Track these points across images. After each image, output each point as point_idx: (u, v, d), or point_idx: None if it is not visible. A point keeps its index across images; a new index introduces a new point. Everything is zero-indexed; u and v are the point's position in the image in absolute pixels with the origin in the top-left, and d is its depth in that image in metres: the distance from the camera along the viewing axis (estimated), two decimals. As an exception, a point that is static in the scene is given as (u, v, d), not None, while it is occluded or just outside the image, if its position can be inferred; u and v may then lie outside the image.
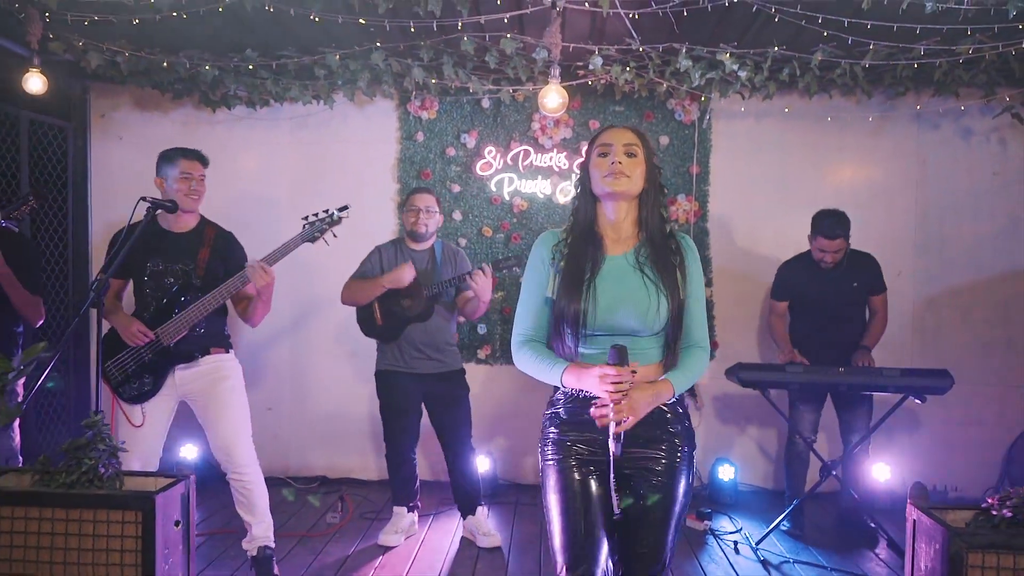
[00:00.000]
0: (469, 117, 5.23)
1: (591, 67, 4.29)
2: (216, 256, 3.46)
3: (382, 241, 5.23)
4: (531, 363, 2.15)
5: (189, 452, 4.99)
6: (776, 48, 4.28)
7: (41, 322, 3.65)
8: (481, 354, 5.24)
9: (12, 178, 4.80)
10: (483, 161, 5.19)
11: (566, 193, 5.18)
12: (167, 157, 3.42)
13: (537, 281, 2.24)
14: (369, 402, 5.23)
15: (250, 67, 4.41)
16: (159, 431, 3.41)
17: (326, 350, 5.33)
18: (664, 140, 5.15)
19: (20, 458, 3.60)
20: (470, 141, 5.21)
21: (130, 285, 3.51)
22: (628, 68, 4.37)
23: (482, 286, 3.82)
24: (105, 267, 2.92)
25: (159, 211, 3.29)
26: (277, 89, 4.62)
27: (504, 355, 5.27)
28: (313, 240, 3.34)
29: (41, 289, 3.60)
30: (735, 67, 4.27)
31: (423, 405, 4.15)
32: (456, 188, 5.23)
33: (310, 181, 5.32)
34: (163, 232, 3.44)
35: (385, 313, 4.02)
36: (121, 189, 5.28)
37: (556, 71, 4.01)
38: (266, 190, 5.30)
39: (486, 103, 5.15)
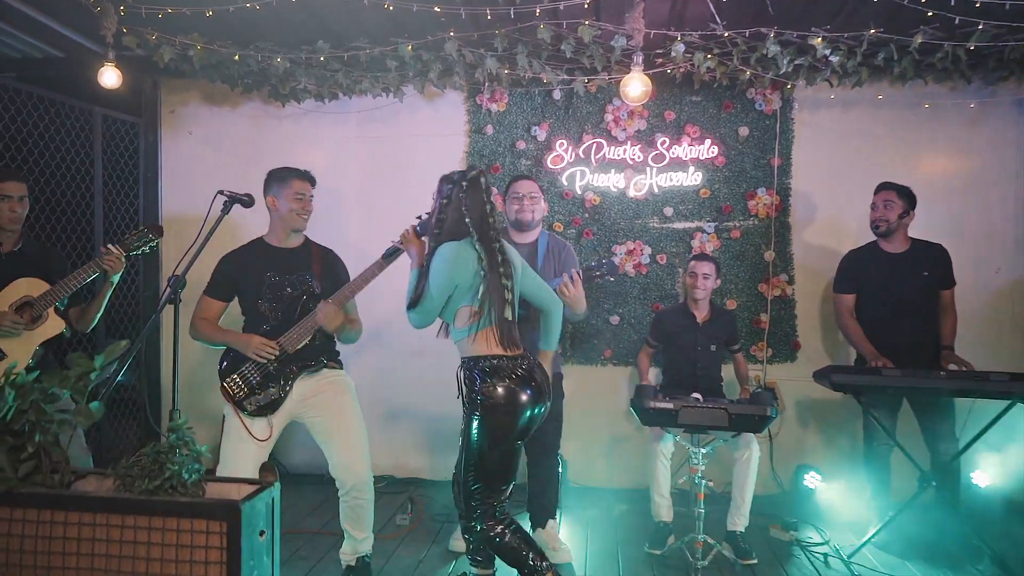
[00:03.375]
0: (540, 109, 5.08)
1: (672, 54, 4.10)
2: (325, 268, 3.48)
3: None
4: None
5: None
6: (872, 31, 4.01)
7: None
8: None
9: (86, 174, 4.82)
10: (554, 154, 5.04)
11: (640, 187, 5.00)
12: (279, 177, 3.41)
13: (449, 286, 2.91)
14: (437, 401, 5.12)
15: (321, 59, 4.33)
16: (269, 449, 3.36)
17: (391, 347, 5.24)
18: (743, 131, 4.93)
19: (90, 456, 3.58)
20: (541, 134, 5.06)
21: (229, 307, 3.50)
22: (711, 55, 4.15)
23: (571, 297, 3.53)
24: (186, 269, 2.85)
25: (262, 236, 3.34)
26: (348, 81, 4.54)
27: (574, 355, 5.11)
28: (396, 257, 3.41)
29: None
30: (826, 52, 4.02)
31: None
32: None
33: (377, 176, 5.24)
34: (273, 249, 3.44)
35: None
36: (191, 185, 5.29)
37: (639, 58, 3.83)
38: (333, 185, 5.22)
39: (557, 95, 4.99)
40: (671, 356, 4.51)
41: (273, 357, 3.28)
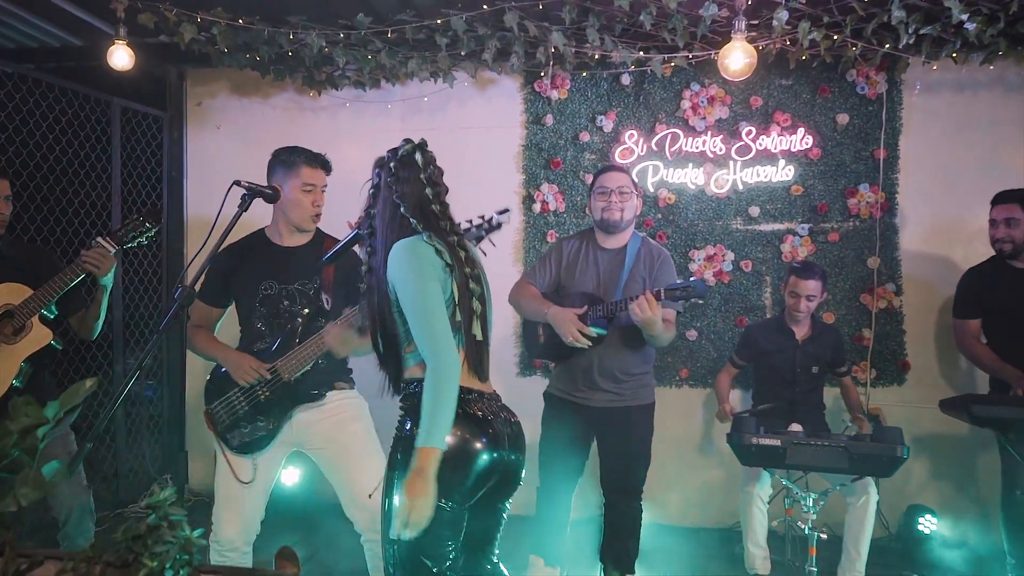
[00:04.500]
0: (606, 96, 4.48)
1: (773, 23, 3.47)
2: (341, 273, 2.83)
3: (502, 241, 4.59)
4: None
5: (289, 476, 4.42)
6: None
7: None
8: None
9: (103, 171, 4.36)
10: (623, 147, 4.43)
11: (722, 184, 4.37)
12: (283, 160, 2.79)
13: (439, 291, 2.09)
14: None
15: (361, 35, 3.78)
16: (266, 488, 2.81)
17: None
18: (842, 119, 4.27)
19: (90, 495, 3.07)
20: (607, 124, 4.46)
21: (226, 313, 2.95)
22: (819, 25, 3.51)
23: (642, 321, 2.89)
24: (195, 280, 2.30)
25: (264, 228, 2.81)
26: (392, 63, 3.99)
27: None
28: None
29: None
30: (963, 17, 3.35)
31: (594, 441, 3.33)
32: (590, 179, 4.47)
33: (423, 173, 4.68)
34: (273, 247, 2.85)
35: (550, 330, 3.17)
36: (218, 183, 4.73)
37: (742, 23, 3.20)
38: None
39: (626, 79, 4.40)
40: (763, 379, 3.88)
41: (263, 382, 2.70)
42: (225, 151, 4.82)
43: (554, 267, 3.29)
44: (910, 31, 3.50)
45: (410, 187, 2.11)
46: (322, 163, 2.83)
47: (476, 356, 2.12)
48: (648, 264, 3.20)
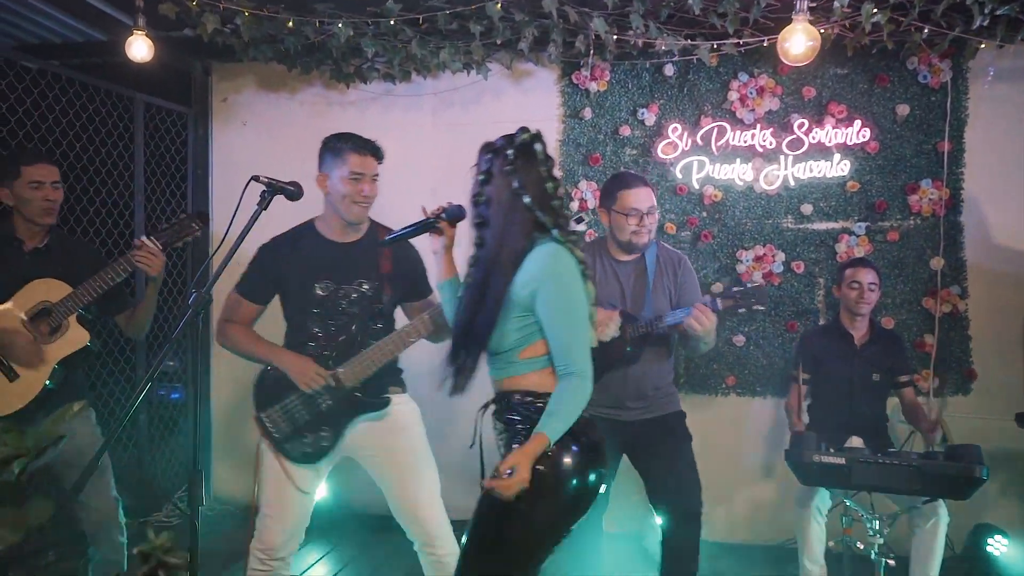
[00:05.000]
0: (648, 88, 4.24)
1: (835, 4, 3.21)
2: (400, 270, 2.69)
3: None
4: None
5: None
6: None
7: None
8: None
9: (125, 168, 4.22)
10: (666, 142, 4.19)
11: (772, 180, 4.11)
12: (331, 148, 2.64)
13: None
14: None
15: (391, 23, 3.59)
16: (313, 496, 2.70)
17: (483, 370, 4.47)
18: (903, 109, 3.99)
19: (119, 506, 2.92)
20: (649, 117, 4.22)
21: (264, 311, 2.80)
22: (884, 7, 3.24)
23: (706, 330, 2.73)
24: (210, 285, 2.12)
25: (315, 220, 2.68)
26: (423, 53, 3.79)
27: (689, 383, 4.24)
28: None
29: None
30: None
31: (623, 457, 3.10)
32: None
33: (455, 171, 4.40)
34: (325, 243, 2.68)
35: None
36: (244, 181, 4.60)
37: (803, 3, 2.94)
38: (405, 182, 4.43)
39: (670, 70, 4.15)
40: (820, 389, 3.62)
41: (327, 390, 2.56)
42: (251, 148, 4.67)
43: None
44: (985, 12, 3.21)
45: (530, 177, 2.01)
46: (372, 149, 2.65)
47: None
48: (671, 272, 3.01)
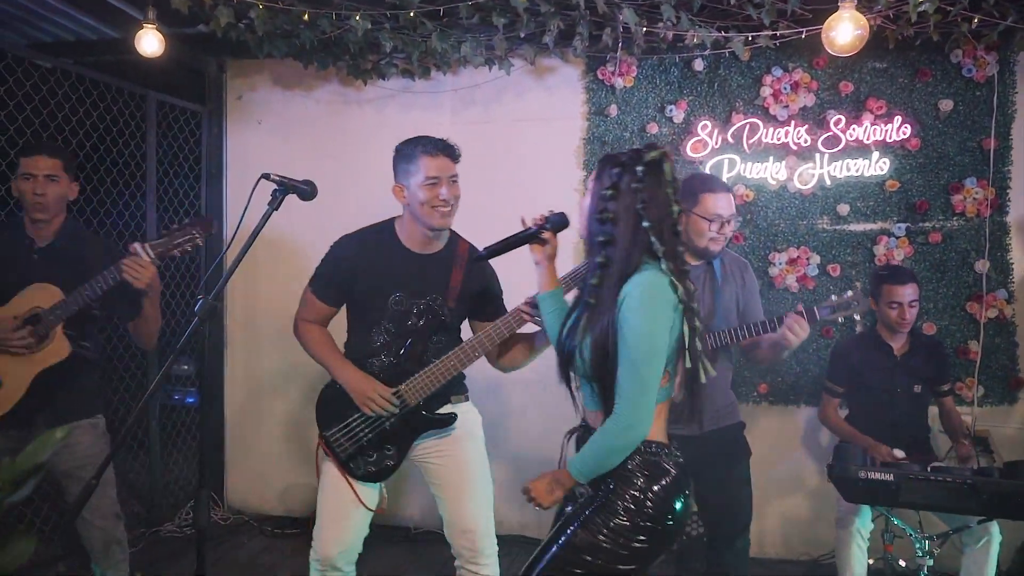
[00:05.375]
0: (676, 84, 4.08)
1: (881, -6, 3.04)
2: (470, 283, 2.56)
3: (563, 243, 4.17)
4: None
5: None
6: None
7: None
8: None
9: (137, 168, 4.11)
10: (695, 139, 4.02)
11: (807, 179, 3.93)
12: (404, 154, 2.49)
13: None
14: (550, 445, 4.20)
15: (410, 15, 3.44)
16: (364, 513, 2.58)
17: (503, 378, 4.32)
18: (946, 105, 3.80)
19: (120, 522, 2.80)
20: (678, 114, 4.05)
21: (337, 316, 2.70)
22: (933, -5, 3.06)
23: (800, 339, 2.59)
24: (217, 292, 1.97)
25: (395, 222, 2.58)
26: (444, 47, 3.64)
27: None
28: None
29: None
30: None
31: None
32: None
33: (476, 170, 4.29)
34: (405, 254, 2.54)
35: None
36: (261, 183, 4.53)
37: (851, -11, 2.78)
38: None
39: (699, 65, 3.99)
40: (859, 402, 3.43)
41: (392, 412, 2.46)
42: (266, 147, 4.54)
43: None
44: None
45: (656, 199, 1.87)
46: (444, 149, 2.48)
47: (692, 402, 1.97)
48: (737, 277, 2.86)
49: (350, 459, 2.52)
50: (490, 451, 4.39)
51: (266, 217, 2.04)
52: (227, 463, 4.67)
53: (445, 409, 2.55)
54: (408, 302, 2.50)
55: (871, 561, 3.54)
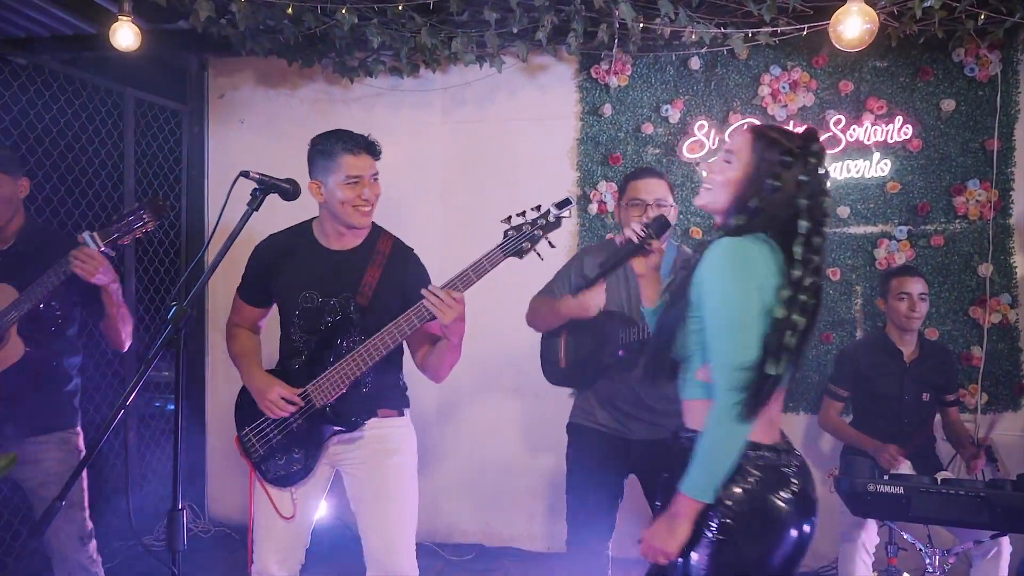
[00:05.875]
0: (672, 83, 3.98)
1: (882, -11, 2.94)
2: (389, 280, 2.42)
3: (555, 245, 4.10)
4: None
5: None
6: None
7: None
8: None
9: (114, 169, 3.96)
10: (692, 140, 3.92)
11: (806, 180, 3.83)
12: (322, 150, 2.37)
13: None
14: (541, 452, 4.09)
15: (399, 9, 3.31)
16: (309, 515, 2.48)
17: (485, 384, 4.21)
18: (947, 105, 3.72)
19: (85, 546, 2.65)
20: (674, 114, 3.95)
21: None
22: (937, -10, 2.97)
23: None
24: (190, 298, 1.85)
25: (314, 221, 2.47)
26: (433, 43, 3.51)
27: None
28: (521, 254, 2.18)
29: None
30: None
31: (632, 479, 2.84)
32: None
33: (467, 171, 4.22)
34: (319, 251, 2.45)
35: (573, 351, 2.79)
36: (242, 183, 4.38)
37: (859, -18, 2.68)
38: (413, 182, 4.22)
39: (696, 63, 3.89)
40: (864, 408, 3.33)
41: (292, 414, 2.36)
42: (249, 147, 4.39)
43: (575, 281, 2.82)
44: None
45: (812, 187, 1.78)
46: (365, 146, 2.37)
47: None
48: (687, 274, 2.71)
49: (262, 461, 2.43)
50: (472, 464, 4.29)
51: (245, 217, 1.92)
52: (208, 473, 4.53)
53: (372, 423, 2.42)
54: (319, 301, 2.40)
55: (875, 574, 3.45)
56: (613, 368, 2.71)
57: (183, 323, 1.75)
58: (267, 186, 1.99)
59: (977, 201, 3.72)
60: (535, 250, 2.18)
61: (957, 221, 3.76)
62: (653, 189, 2.71)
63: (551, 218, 2.15)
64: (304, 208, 2.43)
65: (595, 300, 2.58)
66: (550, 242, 2.19)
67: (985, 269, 3.71)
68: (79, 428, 2.73)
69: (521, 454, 4.18)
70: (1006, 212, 3.72)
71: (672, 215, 2.69)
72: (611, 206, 4.00)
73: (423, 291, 2.19)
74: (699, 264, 1.78)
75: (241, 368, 2.48)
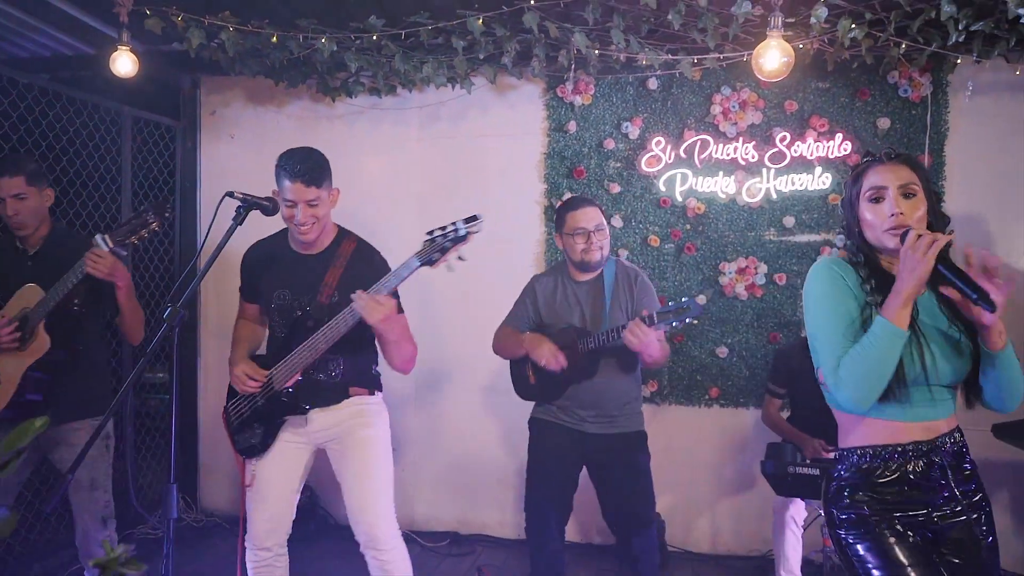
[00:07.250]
0: (632, 102, 4.28)
1: (812, 20, 3.25)
2: (351, 280, 2.66)
3: (525, 252, 4.40)
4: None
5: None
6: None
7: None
8: (645, 391, 4.24)
9: (112, 182, 4.25)
10: (649, 155, 4.22)
11: (754, 192, 4.14)
12: (277, 168, 2.61)
13: (848, 307, 1.90)
14: (512, 446, 4.38)
15: (374, 38, 3.62)
16: (292, 487, 2.77)
17: (460, 382, 4.50)
18: (883, 123, 4.02)
19: (113, 522, 2.97)
20: (633, 131, 4.25)
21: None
22: (860, 23, 3.28)
23: (643, 343, 2.75)
24: (185, 300, 2.14)
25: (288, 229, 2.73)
26: (407, 67, 3.82)
27: (673, 394, 4.27)
28: (431, 263, 2.40)
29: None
30: (1020, 12, 3.09)
31: (584, 470, 3.16)
32: (615, 188, 4.29)
33: (442, 183, 4.52)
34: (294, 256, 2.74)
35: (539, 370, 3.09)
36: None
37: (778, 20, 2.99)
38: (392, 194, 4.54)
39: (653, 84, 4.19)
40: (798, 404, 3.63)
41: (253, 392, 2.69)
42: (239, 161, 4.69)
43: (531, 308, 3.20)
44: (960, 27, 3.25)
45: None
46: (300, 174, 2.51)
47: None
48: (627, 288, 3.09)
49: (235, 433, 2.76)
50: (448, 458, 4.56)
51: (230, 232, 2.21)
52: (200, 466, 4.81)
53: (346, 401, 2.72)
54: (291, 299, 2.70)
55: (813, 556, 3.75)
56: (578, 376, 3.03)
57: (176, 321, 2.03)
58: (249, 204, 2.28)
59: (911, 212, 4.02)
60: (445, 261, 2.39)
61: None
62: (592, 217, 3.04)
63: (460, 232, 2.37)
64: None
65: (544, 355, 2.96)
66: (461, 256, 2.40)
67: (918, 275, 4.00)
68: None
69: (494, 448, 4.47)
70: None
71: (606, 240, 3.06)
72: (576, 216, 4.30)
73: (352, 295, 2.46)
74: None
75: (232, 349, 2.82)
